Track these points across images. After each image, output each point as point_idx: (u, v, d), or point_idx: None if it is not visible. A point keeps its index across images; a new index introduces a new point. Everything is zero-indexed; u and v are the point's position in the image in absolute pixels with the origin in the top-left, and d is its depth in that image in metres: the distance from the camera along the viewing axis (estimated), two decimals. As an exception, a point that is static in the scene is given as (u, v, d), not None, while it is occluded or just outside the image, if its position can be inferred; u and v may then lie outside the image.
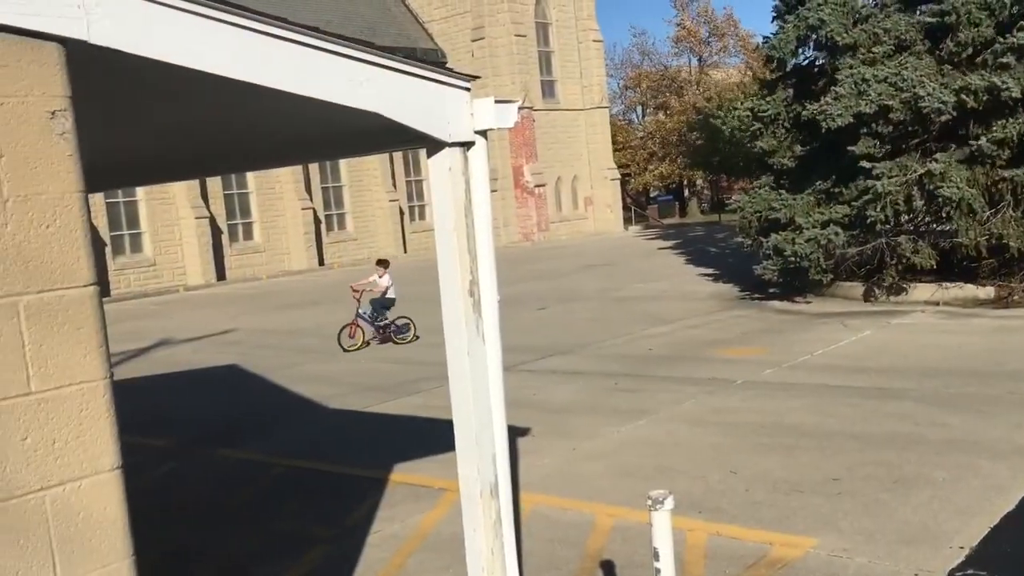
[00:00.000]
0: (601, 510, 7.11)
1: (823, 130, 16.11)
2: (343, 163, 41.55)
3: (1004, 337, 12.86)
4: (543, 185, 45.60)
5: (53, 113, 2.67)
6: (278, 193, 39.02)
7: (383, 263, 16.90)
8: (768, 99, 18.80)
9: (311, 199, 39.85)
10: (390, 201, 42.64)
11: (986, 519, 6.30)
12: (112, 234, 34.32)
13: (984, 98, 14.40)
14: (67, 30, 2.69)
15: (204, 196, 36.19)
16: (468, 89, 3.86)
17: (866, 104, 15.25)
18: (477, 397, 3.94)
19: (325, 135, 4.73)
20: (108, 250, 34.01)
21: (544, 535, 6.74)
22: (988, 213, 15.06)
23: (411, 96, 3.62)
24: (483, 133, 3.94)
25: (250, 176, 38.00)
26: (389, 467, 8.70)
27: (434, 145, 3.85)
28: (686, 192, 64.49)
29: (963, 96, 14.43)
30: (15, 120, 2.60)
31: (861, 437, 8.47)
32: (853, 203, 16.43)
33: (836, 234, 16.62)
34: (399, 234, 43.32)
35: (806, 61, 18.81)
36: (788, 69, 18.59)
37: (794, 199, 17.85)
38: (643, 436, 9.14)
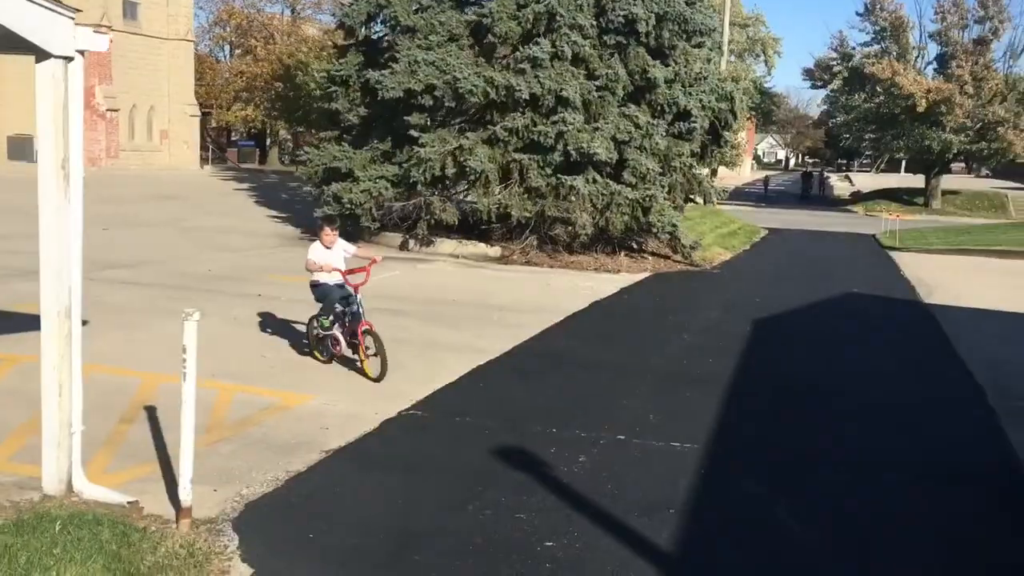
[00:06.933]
0: (150, 376, 8.71)
1: (380, 97, 18.62)
2: None
3: (497, 283, 16.32)
4: (116, 110, 43.88)
5: None
6: None
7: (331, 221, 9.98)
8: (342, 62, 20.95)
9: None
10: None
11: (435, 386, 8.97)
12: None
13: (503, 93, 17.84)
14: None
15: None
16: (72, 18, 5.34)
17: (415, 82, 18.00)
18: (60, 243, 5.47)
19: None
20: None
21: (101, 389, 8.22)
22: (500, 186, 18.62)
23: (23, 13, 5.04)
24: (82, 52, 5.45)
25: None
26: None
27: (42, 55, 5.28)
28: (268, 141, 65.02)
29: (488, 88, 17.76)
30: None
31: (368, 338, 10.88)
32: (403, 164, 19.18)
33: (386, 188, 19.31)
34: None
35: (376, 35, 21.26)
36: (360, 38, 20.90)
37: (355, 153, 20.26)
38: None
